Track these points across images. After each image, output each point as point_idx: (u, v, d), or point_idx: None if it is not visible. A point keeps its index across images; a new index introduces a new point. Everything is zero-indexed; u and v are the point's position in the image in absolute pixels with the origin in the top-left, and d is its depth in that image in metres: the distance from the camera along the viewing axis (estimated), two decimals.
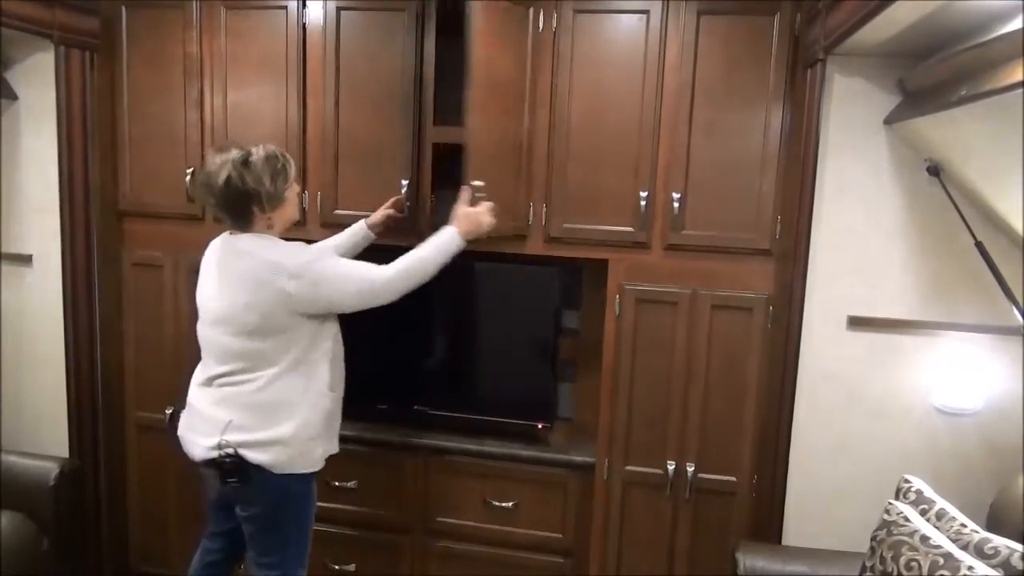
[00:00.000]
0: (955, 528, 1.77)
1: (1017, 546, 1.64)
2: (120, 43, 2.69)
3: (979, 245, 2.07)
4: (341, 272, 2.01)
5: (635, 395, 2.48)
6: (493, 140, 2.34)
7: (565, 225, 2.45)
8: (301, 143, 2.59)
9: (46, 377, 2.82)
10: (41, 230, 2.75)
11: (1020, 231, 2.00)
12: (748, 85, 2.31)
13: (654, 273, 2.44)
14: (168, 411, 2.79)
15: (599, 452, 2.53)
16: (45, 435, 2.82)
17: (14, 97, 2.72)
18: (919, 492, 1.93)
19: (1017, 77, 1.47)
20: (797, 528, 2.37)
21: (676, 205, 2.37)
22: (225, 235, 2.07)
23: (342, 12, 2.51)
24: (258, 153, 1.95)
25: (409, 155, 2.47)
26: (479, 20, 2.19)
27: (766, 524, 2.38)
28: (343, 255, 2.29)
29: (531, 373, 2.71)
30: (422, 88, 2.45)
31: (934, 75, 1.90)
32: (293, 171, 2.04)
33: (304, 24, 2.54)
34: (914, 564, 1.67)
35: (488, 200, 2.18)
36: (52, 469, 2.62)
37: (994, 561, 1.63)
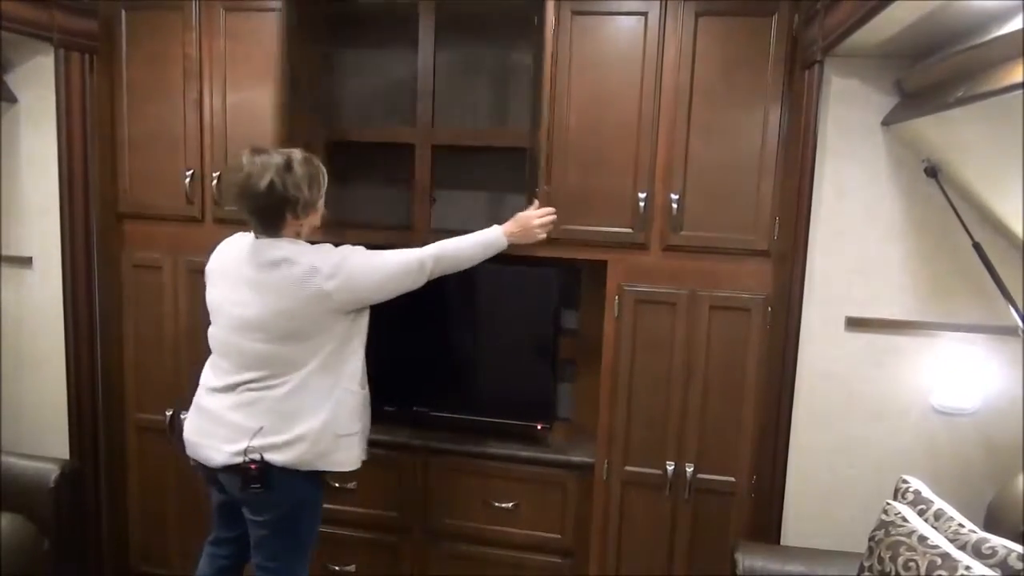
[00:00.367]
0: (953, 528, 1.78)
1: (1015, 546, 1.65)
2: (119, 45, 2.70)
3: (977, 246, 2.07)
4: (376, 263, 2.01)
5: (634, 395, 2.49)
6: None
7: (564, 226, 2.45)
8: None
9: (46, 378, 2.82)
10: (41, 232, 2.76)
11: (1018, 232, 2.01)
12: (746, 86, 2.31)
13: (653, 274, 2.45)
14: (168, 412, 2.80)
15: (598, 452, 2.54)
16: (45, 436, 2.82)
17: (14, 100, 2.72)
18: (917, 492, 1.94)
19: (1015, 78, 1.47)
20: (796, 528, 2.37)
21: (675, 206, 2.38)
22: (248, 239, 2.03)
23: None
24: (296, 158, 1.94)
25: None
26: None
27: (765, 524, 2.38)
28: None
29: (530, 374, 2.71)
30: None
31: (931, 76, 1.91)
32: (325, 179, 2.04)
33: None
34: (912, 564, 1.67)
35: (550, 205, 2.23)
36: (52, 470, 2.62)
37: (992, 561, 1.63)
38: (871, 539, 1.87)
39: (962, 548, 1.69)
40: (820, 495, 2.36)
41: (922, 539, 1.71)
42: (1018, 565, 1.60)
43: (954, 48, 1.75)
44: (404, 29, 2.66)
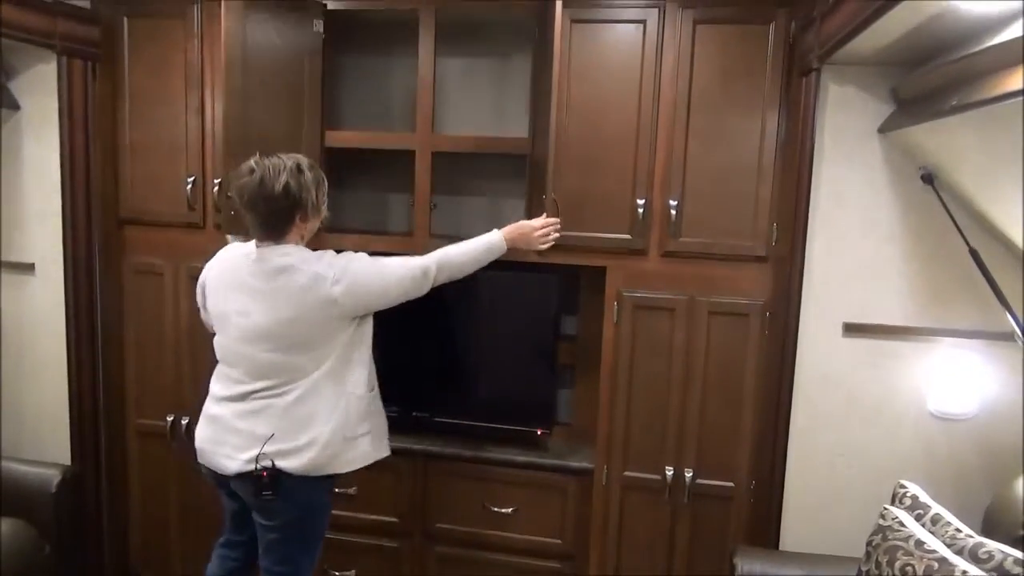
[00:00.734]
0: (950, 533, 1.79)
1: (1011, 550, 1.66)
2: (121, 52, 2.72)
3: (973, 252, 2.08)
4: (380, 269, 2.02)
5: (633, 400, 2.50)
6: None
7: (563, 232, 2.45)
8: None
9: (48, 384, 2.83)
10: (43, 238, 2.77)
11: (1013, 238, 2.02)
12: (744, 93, 2.33)
13: (652, 279, 2.46)
14: (169, 418, 2.81)
15: (598, 457, 2.55)
16: (46, 441, 2.83)
17: (16, 107, 2.73)
18: (915, 497, 1.95)
19: (1007, 87, 1.48)
20: (794, 532, 2.38)
21: (673, 212, 2.39)
22: (245, 249, 2.03)
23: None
24: (305, 163, 1.96)
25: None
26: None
27: (764, 529, 2.39)
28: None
29: (530, 379, 2.73)
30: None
31: (926, 84, 1.92)
32: (327, 184, 2.06)
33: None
34: (909, 568, 1.68)
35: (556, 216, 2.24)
36: (54, 475, 2.64)
37: (988, 565, 1.64)
38: (869, 543, 1.88)
39: (959, 553, 1.70)
40: (818, 500, 2.37)
41: (919, 543, 1.72)
42: (1015, 570, 1.61)
43: (948, 57, 1.76)
44: (404, 36, 2.68)
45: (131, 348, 2.86)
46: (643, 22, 2.36)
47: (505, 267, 2.55)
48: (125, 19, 2.70)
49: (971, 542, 1.72)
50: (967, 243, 2.09)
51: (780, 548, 2.38)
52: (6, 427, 2.83)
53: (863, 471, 2.33)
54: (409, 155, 2.61)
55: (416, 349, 2.80)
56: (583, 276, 2.79)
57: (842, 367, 2.32)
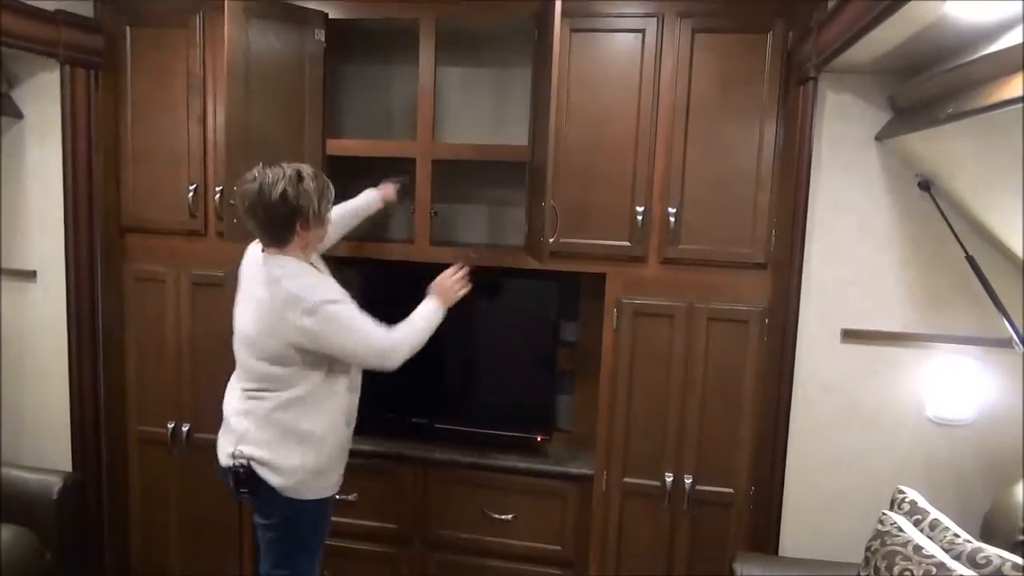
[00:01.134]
0: (948, 538, 1.79)
1: (1010, 556, 1.67)
2: (124, 61, 2.73)
3: (970, 258, 2.09)
4: (354, 325, 2.00)
5: (633, 407, 2.50)
6: None
7: (563, 240, 2.48)
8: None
9: (49, 391, 2.83)
10: (45, 246, 2.77)
11: (1009, 245, 2.03)
12: (742, 101, 2.35)
13: (651, 286, 2.47)
14: (170, 425, 2.81)
15: (597, 463, 2.55)
16: (48, 448, 2.83)
17: (19, 115, 2.75)
18: (913, 503, 1.96)
19: (1003, 95, 1.50)
20: (794, 538, 2.38)
21: (672, 219, 2.41)
22: (263, 252, 2.07)
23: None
24: (307, 172, 1.98)
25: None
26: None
27: (763, 534, 2.40)
28: (349, 216, 2.41)
29: (530, 385, 2.73)
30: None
31: (923, 93, 1.94)
32: (332, 193, 2.07)
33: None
34: (908, 574, 1.69)
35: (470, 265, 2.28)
36: (55, 482, 2.64)
37: (986, 571, 1.65)
38: (867, 549, 1.88)
39: (957, 558, 1.70)
40: (817, 505, 2.37)
41: (918, 549, 1.73)
42: (1013, 574, 1.62)
43: (945, 65, 1.78)
44: (405, 45, 2.70)
45: (132, 355, 2.87)
46: (642, 31, 2.38)
47: (505, 274, 2.56)
48: (128, 28, 2.71)
49: (969, 547, 1.73)
50: (964, 250, 2.10)
51: (780, 554, 2.38)
52: (7, 434, 2.84)
53: (862, 477, 2.34)
54: (410, 163, 2.62)
55: (416, 356, 2.79)
56: (583, 283, 2.80)
57: (841, 373, 2.33)
